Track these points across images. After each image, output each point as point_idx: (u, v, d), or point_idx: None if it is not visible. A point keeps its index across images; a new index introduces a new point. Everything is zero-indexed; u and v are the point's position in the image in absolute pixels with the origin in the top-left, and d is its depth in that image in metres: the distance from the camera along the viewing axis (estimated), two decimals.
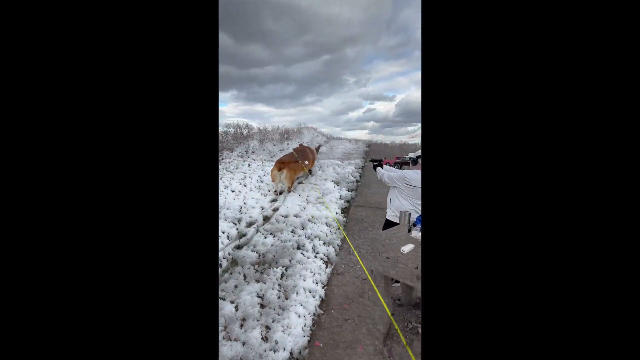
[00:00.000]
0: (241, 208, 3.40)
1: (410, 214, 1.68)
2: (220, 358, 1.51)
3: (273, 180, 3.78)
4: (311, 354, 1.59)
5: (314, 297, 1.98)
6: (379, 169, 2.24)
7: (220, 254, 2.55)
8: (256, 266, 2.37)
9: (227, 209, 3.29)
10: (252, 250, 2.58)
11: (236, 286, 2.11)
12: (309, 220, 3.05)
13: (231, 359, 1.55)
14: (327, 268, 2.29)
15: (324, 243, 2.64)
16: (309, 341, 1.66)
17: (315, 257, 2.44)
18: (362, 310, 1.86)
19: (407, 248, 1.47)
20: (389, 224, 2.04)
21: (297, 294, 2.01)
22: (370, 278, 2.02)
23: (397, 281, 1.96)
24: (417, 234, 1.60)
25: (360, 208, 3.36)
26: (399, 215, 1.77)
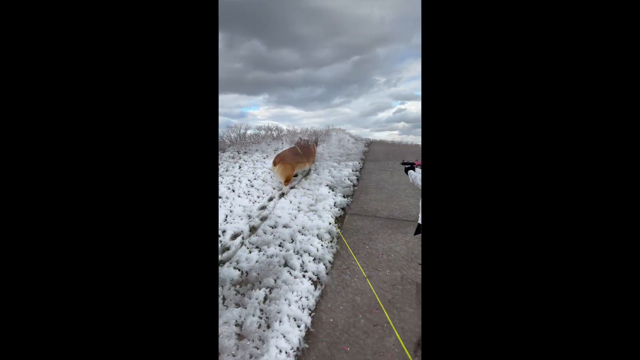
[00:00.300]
0: (227, 217, 3.23)
1: None
2: None
3: (274, 172, 3.91)
4: None
5: (298, 326, 1.80)
6: (410, 172, 2.23)
7: None
8: (237, 287, 2.20)
9: None
10: (234, 267, 2.40)
11: None
12: (299, 232, 2.87)
13: None
14: (315, 290, 2.12)
15: (314, 259, 2.46)
16: None
17: (304, 276, 2.26)
18: (354, 341, 1.67)
19: None
20: (420, 229, 2.01)
21: (280, 322, 1.83)
22: (379, 301, 1.84)
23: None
24: None
25: (356, 217, 3.17)
26: None
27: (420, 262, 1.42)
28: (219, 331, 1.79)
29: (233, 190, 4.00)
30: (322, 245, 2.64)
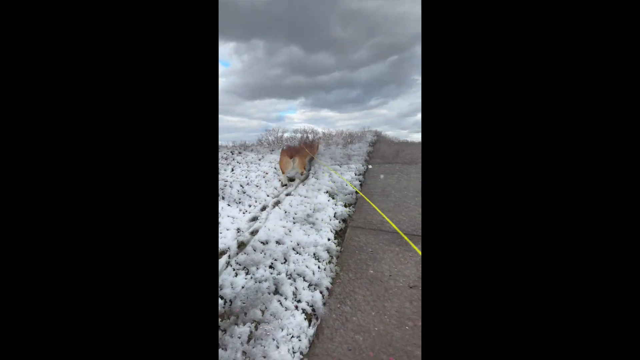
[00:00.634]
0: None
1: None
2: None
3: (283, 170, 4.06)
4: None
5: None
6: None
7: None
8: (219, 320, 1.93)
9: None
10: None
11: None
12: (293, 250, 2.60)
13: None
14: (309, 327, 1.85)
15: (309, 285, 2.19)
16: None
17: (296, 307, 1.99)
18: None
19: None
20: None
21: None
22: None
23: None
24: None
25: (359, 231, 2.89)
26: None
27: None
28: None
29: (223, 198, 3.73)
30: (319, 267, 2.37)
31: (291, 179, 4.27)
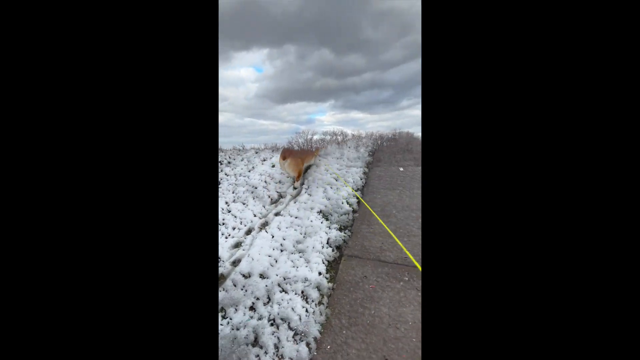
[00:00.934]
0: None
1: None
2: None
3: (282, 169, 4.15)
4: None
5: None
6: None
7: None
8: None
9: None
10: None
11: None
12: (278, 285, 2.33)
13: None
14: None
15: (294, 334, 1.91)
16: None
17: None
18: None
19: None
20: None
21: None
22: None
23: None
24: None
25: (355, 261, 2.61)
26: None
27: None
28: None
29: None
30: (307, 310, 2.09)
31: (281, 196, 4.01)
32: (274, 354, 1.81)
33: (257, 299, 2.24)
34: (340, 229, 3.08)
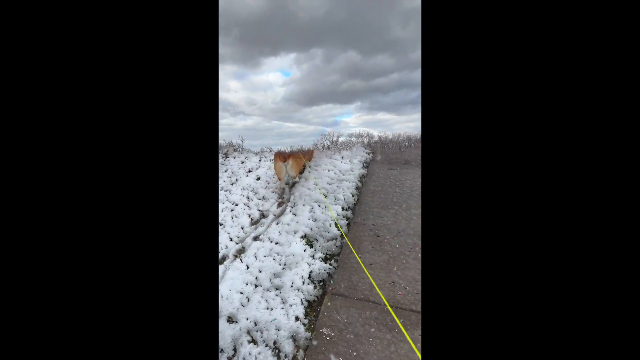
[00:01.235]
0: None
1: None
2: None
3: (278, 175, 4.10)
4: None
5: None
6: None
7: None
8: None
9: None
10: None
11: None
12: (247, 334, 2.02)
13: None
14: None
15: None
16: None
17: None
18: None
19: None
20: None
21: None
22: None
23: None
24: None
25: (340, 301, 2.32)
26: None
27: None
28: None
29: None
30: None
31: (263, 215, 3.71)
32: None
33: (221, 351, 1.94)
34: (325, 259, 2.78)
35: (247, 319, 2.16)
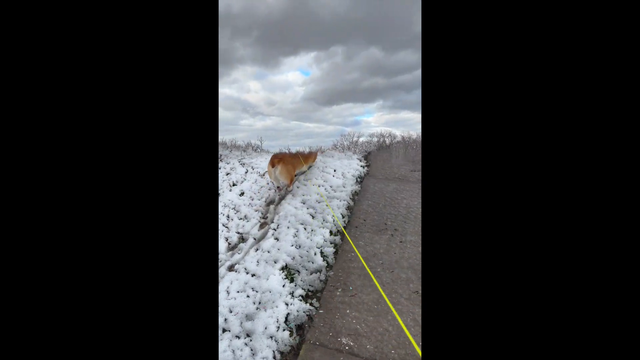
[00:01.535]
0: None
1: None
2: None
3: (271, 178, 4.04)
4: None
5: None
6: None
7: None
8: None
9: None
10: None
11: None
12: None
13: None
14: None
15: None
16: None
17: None
18: None
19: None
20: None
21: None
22: None
23: None
24: None
25: (320, 352, 2.05)
26: None
27: None
28: None
29: None
30: None
31: (242, 239, 3.43)
32: None
33: None
34: (306, 297, 2.50)
35: None
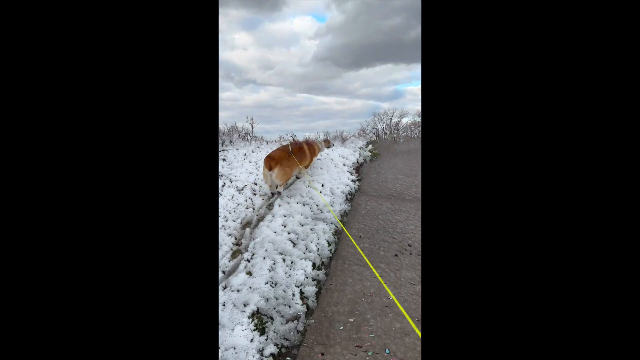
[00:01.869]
0: None
1: None
2: None
3: (265, 181, 4.01)
4: None
5: None
6: None
7: None
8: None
9: None
10: None
11: None
12: None
13: None
14: None
15: None
16: None
17: None
18: None
19: None
20: None
21: None
22: None
23: None
24: None
25: None
26: None
27: None
28: None
29: None
30: None
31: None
32: None
33: None
34: (279, 355, 2.10)
35: None
